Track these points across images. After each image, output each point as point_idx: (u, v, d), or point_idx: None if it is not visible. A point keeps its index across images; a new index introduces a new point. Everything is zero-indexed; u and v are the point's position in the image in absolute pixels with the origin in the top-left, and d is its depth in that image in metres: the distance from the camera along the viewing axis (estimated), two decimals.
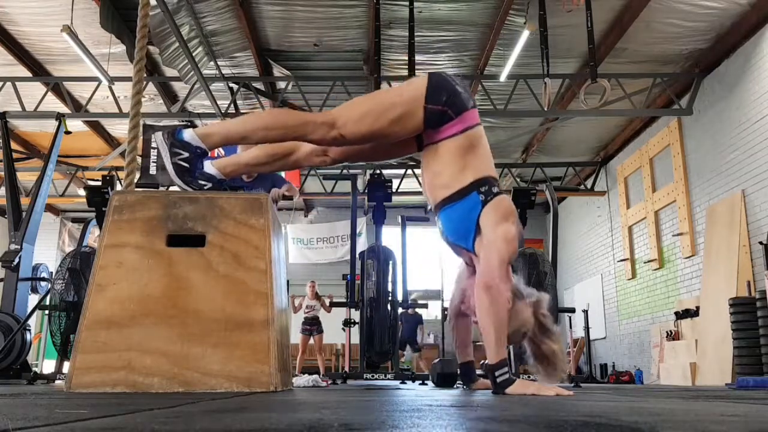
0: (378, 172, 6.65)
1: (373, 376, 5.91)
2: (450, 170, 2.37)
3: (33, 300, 6.25)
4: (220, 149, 8.71)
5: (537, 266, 5.73)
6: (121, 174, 10.11)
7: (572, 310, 7.12)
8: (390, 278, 5.98)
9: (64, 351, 5.48)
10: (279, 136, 2.37)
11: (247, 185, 5.07)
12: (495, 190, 2.37)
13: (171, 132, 2.34)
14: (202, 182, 2.38)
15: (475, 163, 2.37)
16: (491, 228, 2.31)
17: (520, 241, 2.39)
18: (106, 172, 7.40)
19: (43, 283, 6.91)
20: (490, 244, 2.29)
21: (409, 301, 6.38)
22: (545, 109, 8.26)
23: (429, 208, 2.61)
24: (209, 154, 2.44)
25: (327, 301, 9.50)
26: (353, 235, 6.75)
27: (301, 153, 2.54)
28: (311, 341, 9.89)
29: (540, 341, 2.37)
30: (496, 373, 2.17)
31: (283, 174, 10.52)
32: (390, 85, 8.77)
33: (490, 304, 2.20)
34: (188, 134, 2.35)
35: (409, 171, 11.85)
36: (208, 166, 2.42)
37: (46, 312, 5.64)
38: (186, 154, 2.33)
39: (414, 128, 2.34)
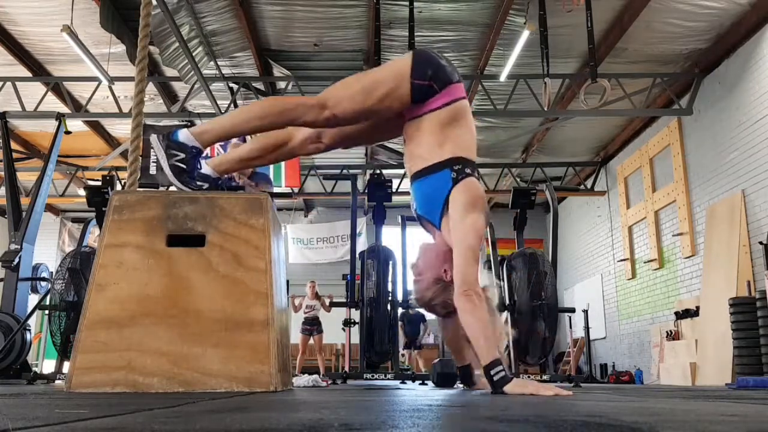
0: (378, 172, 6.65)
1: (373, 376, 5.91)
2: (429, 142, 2.40)
3: (33, 300, 6.25)
4: (220, 148, 8.72)
5: (537, 266, 5.73)
6: (122, 174, 10.14)
7: (572, 310, 7.13)
8: (390, 278, 5.99)
9: (64, 351, 5.48)
10: (272, 123, 2.39)
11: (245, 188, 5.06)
12: (467, 171, 2.39)
13: (166, 134, 2.37)
14: (200, 183, 2.39)
15: (455, 138, 2.40)
16: (460, 215, 2.34)
17: (487, 224, 2.46)
18: (106, 172, 7.41)
19: (43, 283, 6.91)
20: (461, 240, 2.33)
21: (410, 301, 6.39)
22: (545, 109, 8.26)
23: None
24: (205, 152, 2.45)
25: (327, 301, 9.49)
26: (353, 235, 6.75)
27: (295, 141, 2.55)
28: (311, 341, 9.89)
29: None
30: (492, 372, 2.18)
31: (282, 171, 10.55)
32: None
33: (472, 310, 2.24)
34: (183, 135, 2.37)
35: (405, 166, 11.85)
36: (204, 167, 2.44)
37: (46, 312, 5.64)
38: (182, 155, 2.35)
39: (402, 103, 2.38)
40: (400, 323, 10.86)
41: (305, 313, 9.79)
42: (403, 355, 11.14)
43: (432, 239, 2.63)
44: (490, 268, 6.21)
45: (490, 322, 2.36)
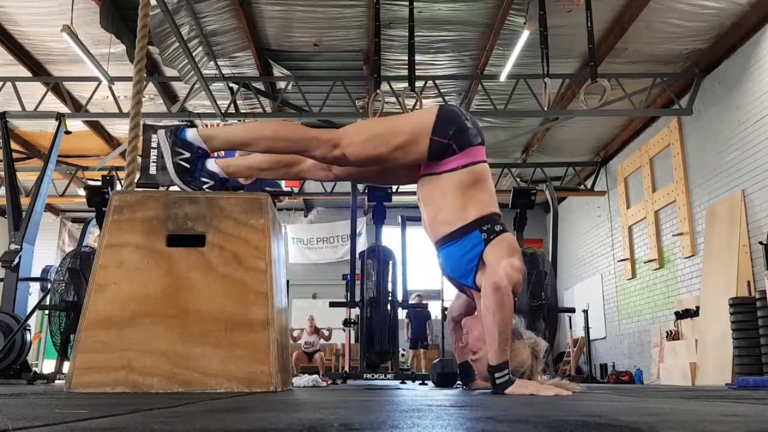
0: None
1: (373, 376, 5.90)
2: (452, 206, 2.35)
3: (34, 300, 6.25)
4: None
5: (537, 266, 5.72)
6: (121, 174, 10.12)
7: (572, 310, 7.12)
8: (390, 278, 5.98)
9: (64, 351, 5.48)
10: (282, 148, 2.37)
11: (245, 188, 5.07)
12: (498, 228, 2.34)
13: (173, 131, 2.33)
14: (204, 179, 2.38)
15: (478, 199, 2.35)
16: (497, 260, 2.27)
17: (524, 276, 2.35)
18: (106, 172, 7.40)
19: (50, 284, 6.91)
20: (494, 266, 2.26)
21: (410, 300, 6.37)
22: (545, 109, 8.25)
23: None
24: (210, 156, 2.44)
25: (326, 333, 9.57)
26: (353, 235, 6.74)
27: (306, 165, 2.53)
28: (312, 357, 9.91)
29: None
30: (496, 375, 2.17)
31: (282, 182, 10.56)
32: (390, 85, 8.78)
33: (497, 306, 2.17)
34: (191, 134, 2.35)
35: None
36: (212, 164, 2.42)
37: (46, 312, 5.64)
38: (187, 154, 2.33)
39: (417, 157, 2.34)
40: (406, 321, 10.85)
41: (304, 348, 9.81)
42: (403, 354, 11.13)
43: (464, 298, 2.60)
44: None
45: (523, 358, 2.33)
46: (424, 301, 10.13)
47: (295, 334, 9.77)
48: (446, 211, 2.37)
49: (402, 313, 6.95)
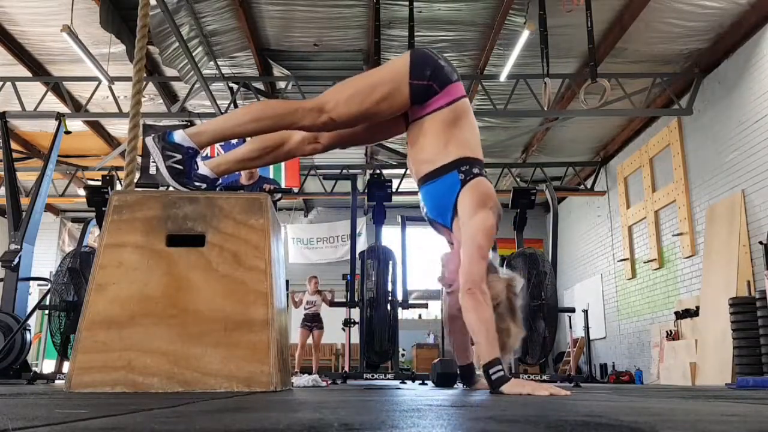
0: (378, 172, 6.64)
1: (373, 376, 5.90)
2: (434, 145, 2.39)
3: (34, 300, 6.25)
4: (220, 148, 8.71)
5: (537, 266, 5.73)
6: (121, 174, 10.13)
7: (572, 310, 7.12)
8: (390, 278, 5.98)
9: (64, 351, 5.48)
10: (269, 126, 2.37)
11: (246, 188, 5.07)
12: (475, 171, 2.38)
13: (161, 135, 2.34)
14: (198, 183, 2.38)
15: (460, 138, 2.39)
16: (468, 214, 2.34)
17: (498, 222, 2.42)
18: (106, 172, 7.40)
19: None
20: (469, 238, 2.32)
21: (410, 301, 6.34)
22: (545, 109, 8.26)
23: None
24: (202, 153, 2.45)
25: (329, 296, 9.45)
26: (353, 235, 6.74)
27: (293, 143, 2.54)
28: (310, 340, 9.87)
29: (503, 319, 2.38)
30: (491, 371, 2.19)
31: (282, 171, 10.55)
32: None
33: (476, 307, 2.23)
34: (178, 135, 2.35)
35: (410, 171, 11.84)
36: (202, 167, 2.42)
37: (46, 312, 5.64)
38: (178, 156, 2.33)
39: (401, 105, 2.37)
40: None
41: (306, 309, 9.75)
42: (403, 354, 11.13)
43: (446, 243, 2.62)
44: (508, 266, 6.18)
45: (508, 322, 2.35)
46: (420, 301, 10.11)
47: (297, 298, 9.70)
48: (428, 149, 2.42)
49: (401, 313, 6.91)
